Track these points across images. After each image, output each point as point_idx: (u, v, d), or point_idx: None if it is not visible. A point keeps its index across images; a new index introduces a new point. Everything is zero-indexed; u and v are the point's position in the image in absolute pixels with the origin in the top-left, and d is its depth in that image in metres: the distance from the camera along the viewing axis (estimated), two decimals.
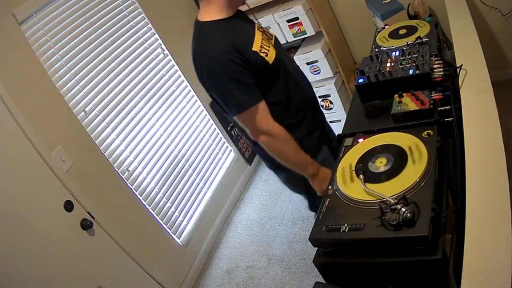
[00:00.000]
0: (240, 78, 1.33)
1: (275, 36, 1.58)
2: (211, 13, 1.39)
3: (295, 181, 1.66)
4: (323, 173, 1.53)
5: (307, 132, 1.58)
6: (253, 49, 1.37)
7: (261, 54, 1.39)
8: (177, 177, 2.67)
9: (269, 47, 1.44)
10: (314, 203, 1.74)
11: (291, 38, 2.80)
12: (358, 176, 1.22)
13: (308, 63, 2.79)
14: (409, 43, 1.68)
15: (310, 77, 2.85)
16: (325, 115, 1.84)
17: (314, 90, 1.74)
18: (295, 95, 1.52)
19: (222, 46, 1.32)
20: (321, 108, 1.87)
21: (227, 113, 1.48)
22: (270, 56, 1.41)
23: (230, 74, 1.32)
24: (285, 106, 1.50)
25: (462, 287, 0.82)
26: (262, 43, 1.41)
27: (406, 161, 1.19)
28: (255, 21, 1.56)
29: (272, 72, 1.43)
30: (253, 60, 1.36)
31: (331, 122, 2.94)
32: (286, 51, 1.63)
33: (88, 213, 2.06)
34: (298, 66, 1.72)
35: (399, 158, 1.21)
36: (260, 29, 1.50)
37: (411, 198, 1.06)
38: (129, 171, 2.38)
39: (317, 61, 2.76)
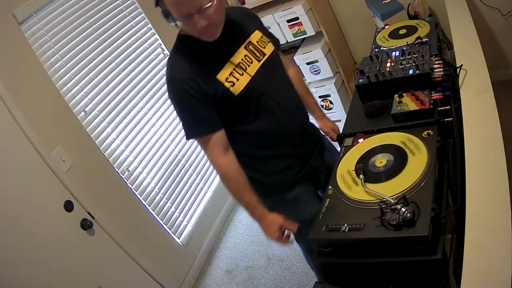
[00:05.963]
0: (190, 107, 1.28)
1: (274, 53, 1.41)
2: None
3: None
4: (269, 221, 1.37)
5: (281, 169, 1.46)
6: (217, 77, 1.27)
7: (226, 83, 1.27)
8: (177, 177, 2.67)
9: (242, 74, 1.30)
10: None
11: (291, 38, 2.80)
12: (358, 176, 1.22)
13: (308, 63, 2.79)
14: (409, 43, 1.68)
15: (310, 77, 2.86)
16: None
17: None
18: (271, 128, 1.38)
19: (180, 73, 1.28)
20: (321, 139, 1.62)
21: None
22: (238, 86, 1.29)
23: (182, 102, 1.30)
24: (255, 137, 1.39)
25: (462, 287, 0.82)
26: (233, 70, 1.29)
27: (406, 161, 1.19)
28: (251, 34, 1.38)
29: (239, 102, 1.30)
30: (213, 90, 1.26)
31: None
32: (283, 73, 1.47)
33: (88, 213, 2.06)
34: (295, 92, 1.49)
35: (399, 158, 1.21)
36: (249, 47, 1.35)
37: (411, 198, 1.06)
38: (129, 171, 2.38)
39: (317, 61, 2.75)
